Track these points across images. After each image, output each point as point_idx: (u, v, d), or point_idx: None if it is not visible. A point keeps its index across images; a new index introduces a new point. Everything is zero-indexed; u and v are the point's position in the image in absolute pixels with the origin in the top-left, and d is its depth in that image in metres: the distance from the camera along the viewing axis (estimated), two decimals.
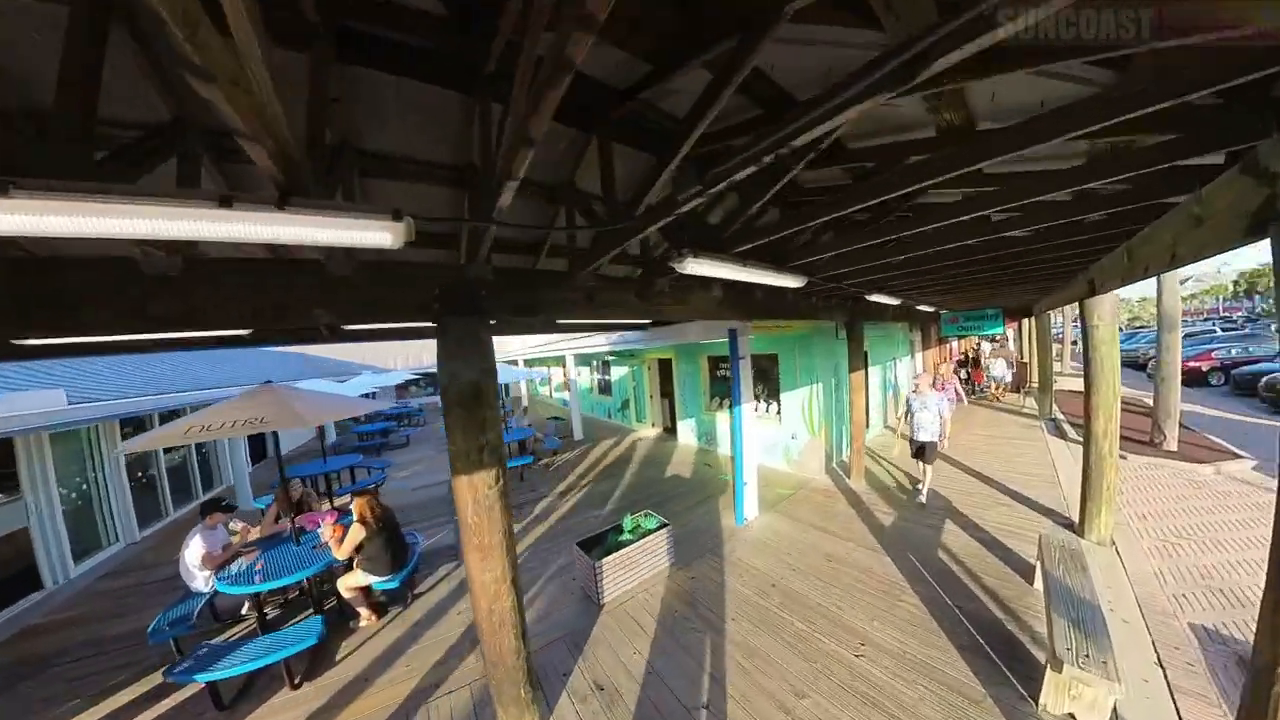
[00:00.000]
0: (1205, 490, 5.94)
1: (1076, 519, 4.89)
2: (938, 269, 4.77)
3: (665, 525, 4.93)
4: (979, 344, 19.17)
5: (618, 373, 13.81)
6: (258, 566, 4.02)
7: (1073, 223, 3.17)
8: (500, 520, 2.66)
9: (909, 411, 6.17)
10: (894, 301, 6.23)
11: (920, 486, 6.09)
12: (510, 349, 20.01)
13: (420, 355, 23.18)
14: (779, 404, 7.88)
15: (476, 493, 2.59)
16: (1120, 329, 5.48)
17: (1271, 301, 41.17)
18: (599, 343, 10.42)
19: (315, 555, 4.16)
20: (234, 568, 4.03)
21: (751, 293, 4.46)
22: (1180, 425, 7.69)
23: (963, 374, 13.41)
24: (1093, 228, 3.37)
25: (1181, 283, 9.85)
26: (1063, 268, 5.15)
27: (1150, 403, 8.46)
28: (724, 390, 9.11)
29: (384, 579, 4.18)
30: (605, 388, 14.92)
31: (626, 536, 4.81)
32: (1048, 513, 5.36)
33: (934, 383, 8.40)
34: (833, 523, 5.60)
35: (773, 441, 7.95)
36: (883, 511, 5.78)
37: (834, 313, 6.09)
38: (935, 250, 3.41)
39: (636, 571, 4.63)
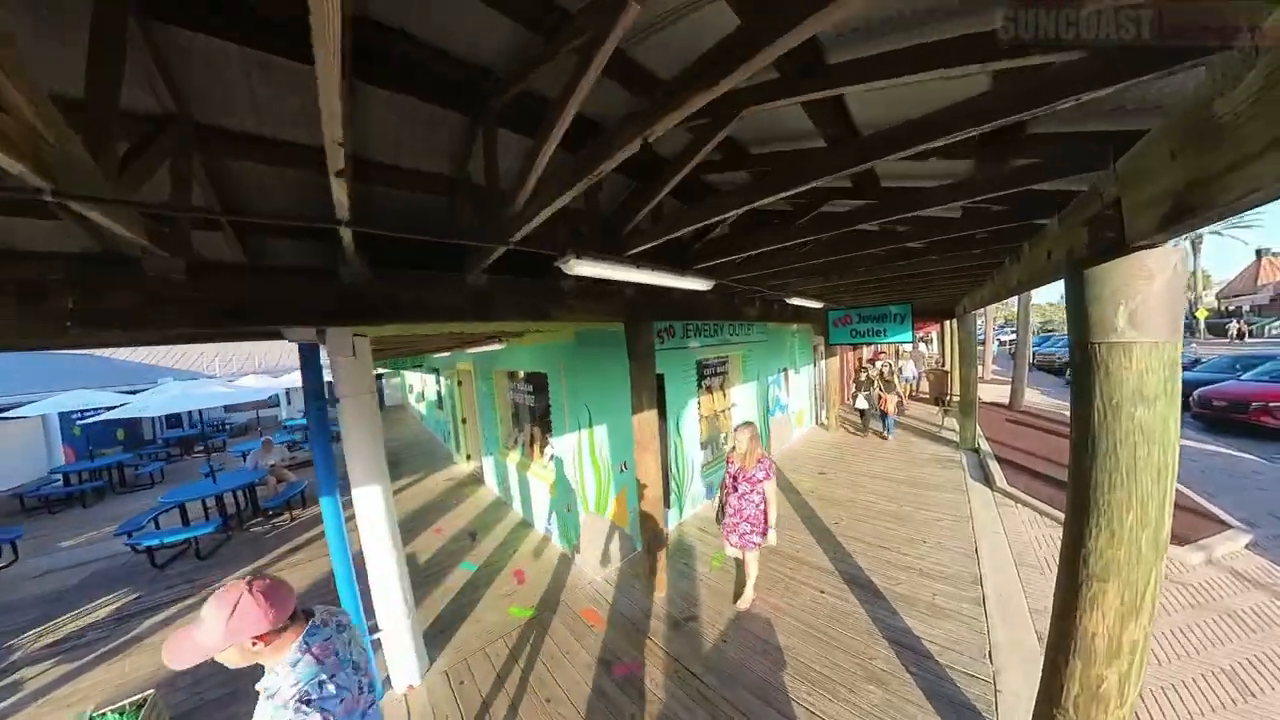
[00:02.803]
0: (1208, 610, 3.49)
1: None
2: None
3: None
4: (890, 352, 16.20)
5: (446, 385, 10.41)
6: None
7: None
8: None
9: None
10: (701, 286, 3.37)
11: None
12: None
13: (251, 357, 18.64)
14: (552, 454, 4.82)
15: None
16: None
17: None
18: None
19: None
20: None
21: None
22: None
23: (859, 401, 9.42)
24: None
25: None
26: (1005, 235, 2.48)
27: None
28: (522, 422, 6.06)
29: None
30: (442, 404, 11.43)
31: None
32: (956, 710, 2.65)
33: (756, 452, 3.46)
34: (544, 716, 2.65)
35: (548, 509, 4.94)
36: (653, 683, 2.89)
37: (567, 309, 3.13)
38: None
39: None
